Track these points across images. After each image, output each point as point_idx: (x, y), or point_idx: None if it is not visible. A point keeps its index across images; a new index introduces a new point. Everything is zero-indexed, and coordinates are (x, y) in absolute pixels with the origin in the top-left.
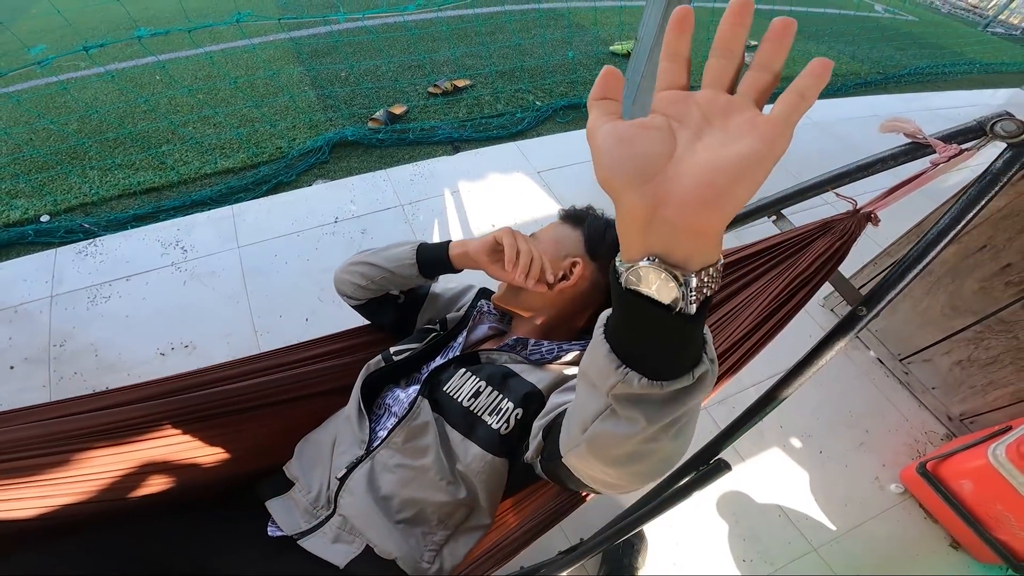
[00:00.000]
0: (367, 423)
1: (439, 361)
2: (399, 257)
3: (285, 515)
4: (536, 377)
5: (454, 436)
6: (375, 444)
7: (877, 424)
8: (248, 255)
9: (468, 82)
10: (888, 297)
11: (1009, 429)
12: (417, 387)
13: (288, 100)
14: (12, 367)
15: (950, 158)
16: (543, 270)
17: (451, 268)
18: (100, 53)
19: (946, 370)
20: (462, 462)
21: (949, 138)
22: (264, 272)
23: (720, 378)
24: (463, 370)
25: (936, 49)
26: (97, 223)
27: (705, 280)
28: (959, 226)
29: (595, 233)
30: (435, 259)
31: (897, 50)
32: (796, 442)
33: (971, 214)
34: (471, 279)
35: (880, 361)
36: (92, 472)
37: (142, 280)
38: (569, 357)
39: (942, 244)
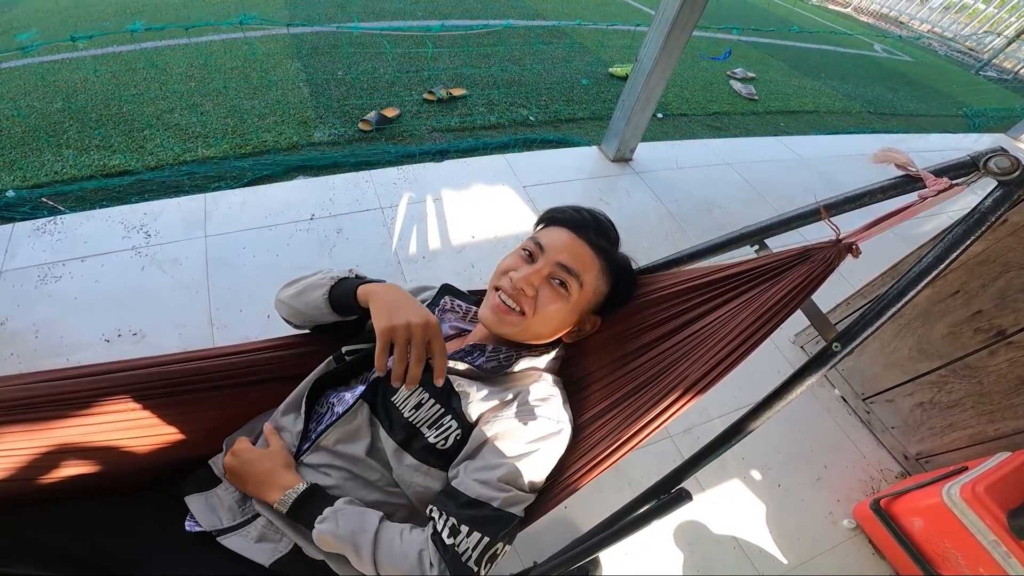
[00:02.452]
0: (302, 422)
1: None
2: (314, 304)
3: (206, 512)
4: (477, 403)
5: (388, 445)
6: (306, 445)
7: (836, 460)
8: (215, 245)
9: (464, 92)
10: (864, 335)
11: (965, 470)
12: (363, 387)
13: (280, 95)
14: None
15: (939, 192)
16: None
17: (362, 311)
18: (96, 39)
19: (907, 411)
20: (395, 471)
21: (940, 172)
22: (229, 264)
23: (688, 398)
24: None
25: (928, 91)
26: (63, 201)
27: None
28: (942, 265)
29: (617, 289)
30: (346, 305)
31: (889, 90)
32: (756, 474)
33: (956, 253)
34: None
35: (843, 399)
36: (3, 449)
37: (98, 262)
38: (522, 365)
39: (924, 282)
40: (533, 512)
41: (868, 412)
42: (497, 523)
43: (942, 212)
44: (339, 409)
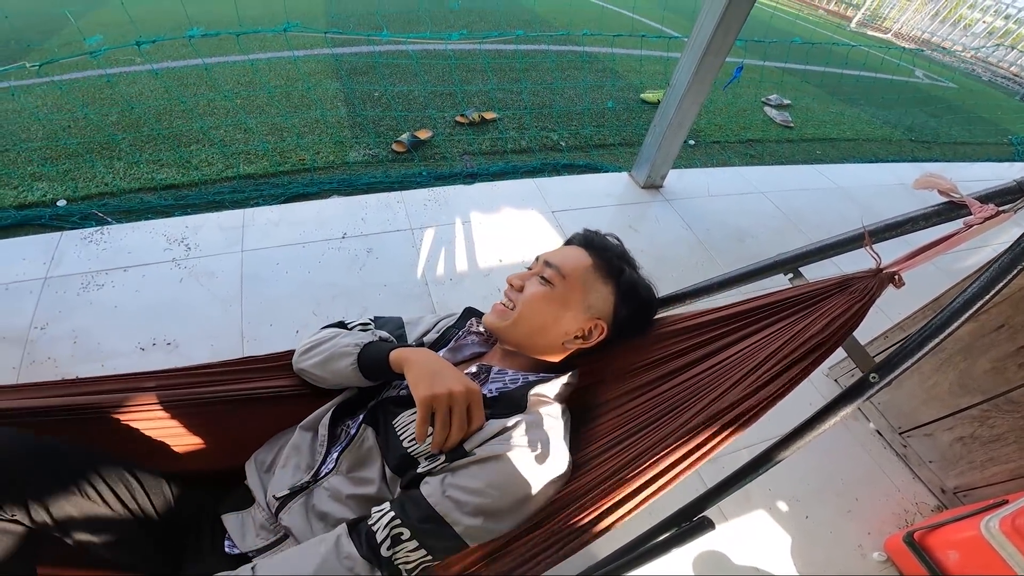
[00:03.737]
0: (323, 447)
1: (394, 393)
2: (343, 374)
3: (240, 532)
4: (477, 436)
5: (387, 471)
6: (326, 469)
7: (868, 493)
8: (250, 260)
9: (496, 116)
10: (904, 366)
11: (1005, 503)
12: (364, 412)
13: (319, 115)
14: None
15: (986, 219)
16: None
17: (395, 375)
18: (153, 51)
19: (946, 445)
20: (389, 495)
21: (986, 198)
22: (263, 279)
23: (722, 438)
24: (413, 408)
25: (972, 117)
26: (111, 212)
27: None
28: (987, 295)
29: (627, 303)
30: (378, 372)
31: (931, 116)
32: (783, 505)
33: (1001, 284)
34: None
35: (879, 432)
36: None
37: (139, 272)
38: (530, 394)
39: (967, 314)
40: (550, 559)
41: (905, 446)
42: (449, 547)
43: (986, 244)
44: (352, 431)
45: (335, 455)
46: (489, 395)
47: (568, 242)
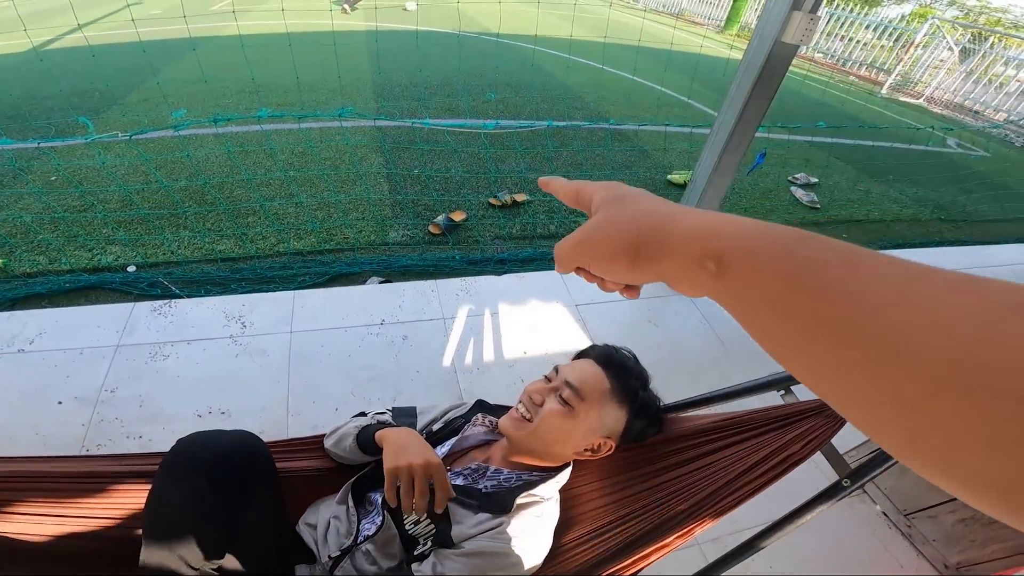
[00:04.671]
0: (356, 518)
1: None
2: (350, 450)
3: None
4: (467, 528)
5: (401, 548)
6: (360, 539)
7: (871, 569)
8: (298, 341)
9: (527, 197)
10: (872, 475)
11: None
12: (380, 499)
13: (363, 190)
14: (60, 402)
15: None
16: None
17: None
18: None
19: (949, 526)
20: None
21: None
22: (308, 359)
23: (684, 530)
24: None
25: (1004, 191)
26: (174, 281)
27: None
28: None
29: (637, 427)
30: (372, 448)
31: (962, 191)
32: None
33: None
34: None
35: (884, 514)
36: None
37: (201, 346)
38: (523, 497)
39: None
40: None
41: (910, 526)
42: None
43: None
44: (377, 520)
45: (367, 525)
46: (484, 491)
47: (585, 354)
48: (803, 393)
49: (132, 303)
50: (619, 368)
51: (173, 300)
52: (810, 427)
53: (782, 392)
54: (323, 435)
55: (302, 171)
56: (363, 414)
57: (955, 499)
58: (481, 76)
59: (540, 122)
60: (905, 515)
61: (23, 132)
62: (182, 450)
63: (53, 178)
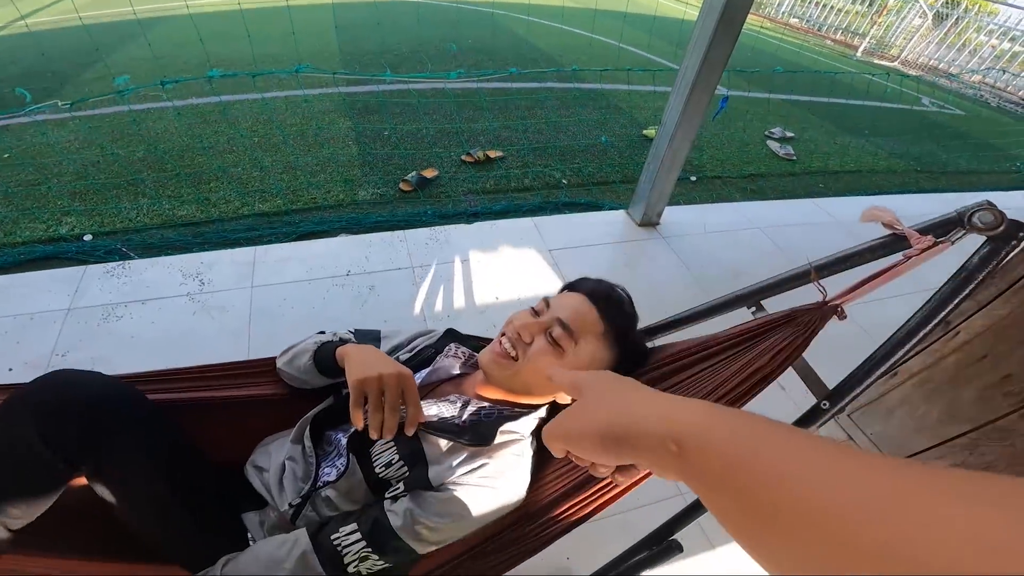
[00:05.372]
0: (314, 460)
1: None
2: (304, 368)
3: (259, 530)
4: (444, 469)
5: (369, 493)
6: (319, 484)
7: None
8: (259, 296)
9: (500, 154)
10: (852, 394)
11: None
12: (345, 440)
13: (331, 152)
14: (11, 369)
15: (923, 250)
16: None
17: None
18: (178, 88)
19: None
20: None
21: (926, 230)
22: (270, 314)
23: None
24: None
25: (980, 145)
26: (133, 248)
27: None
28: (929, 325)
29: (624, 369)
30: (330, 367)
31: (939, 146)
32: None
33: (943, 313)
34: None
35: None
36: None
37: (156, 305)
38: (503, 435)
39: (911, 343)
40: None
41: None
42: (408, 562)
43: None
44: (339, 453)
45: (327, 469)
46: (461, 423)
47: (577, 286)
48: (773, 307)
49: (83, 267)
50: (616, 309)
51: (127, 262)
52: (778, 338)
53: (752, 308)
54: (275, 356)
55: (267, 137)
56: (323, 333)
57: (942, 444)
58: (458, 43)
59: (504, 71)
60: None
61: None
62: (34, 391)
63: (6, 155)
